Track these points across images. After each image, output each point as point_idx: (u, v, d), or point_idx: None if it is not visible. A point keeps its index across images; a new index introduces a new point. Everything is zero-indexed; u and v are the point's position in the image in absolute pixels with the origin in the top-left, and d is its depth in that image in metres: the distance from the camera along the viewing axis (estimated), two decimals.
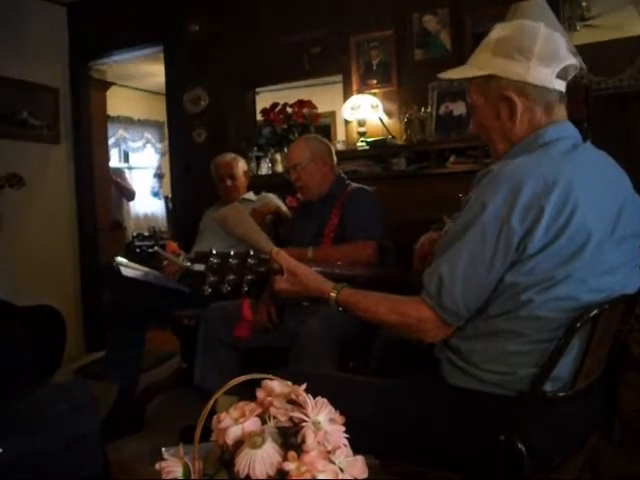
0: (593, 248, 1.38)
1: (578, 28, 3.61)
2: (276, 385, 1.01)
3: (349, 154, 4.15)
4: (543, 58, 1.49)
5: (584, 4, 3.56)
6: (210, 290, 1.71)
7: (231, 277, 1.71)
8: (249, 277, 1.73)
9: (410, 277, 2.12)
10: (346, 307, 1.66)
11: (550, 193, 1.35)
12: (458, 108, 3.81)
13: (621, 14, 3.54)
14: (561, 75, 1.52)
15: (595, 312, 1.38)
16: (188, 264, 2.03)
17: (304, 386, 0.99)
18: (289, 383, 1.01)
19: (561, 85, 1.54)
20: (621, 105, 3.61)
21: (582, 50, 3.36)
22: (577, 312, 1.39)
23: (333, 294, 1.66)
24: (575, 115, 3.19)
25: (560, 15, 3.52)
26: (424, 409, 1.56)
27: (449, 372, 1.57)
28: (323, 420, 0.94)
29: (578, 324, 1.37)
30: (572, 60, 1.53)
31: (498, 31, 1.58)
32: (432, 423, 1.53)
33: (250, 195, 4.02)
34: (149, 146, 9.18)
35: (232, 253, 1.71)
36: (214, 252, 1.70)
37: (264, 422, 0.95)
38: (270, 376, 1.02)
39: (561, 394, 1.44)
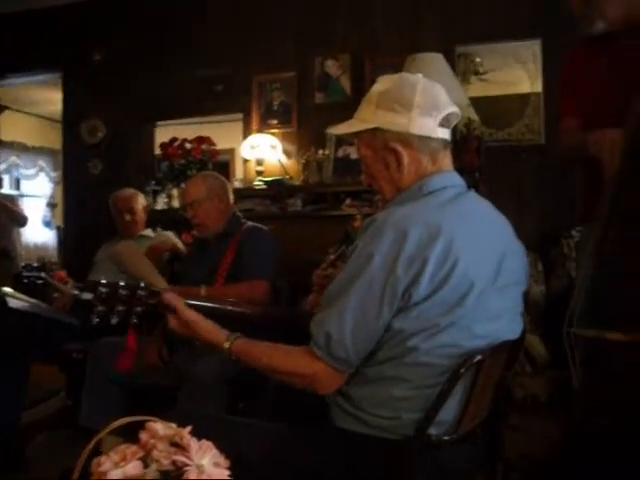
0: (476, 297, 1.42)
1: (472, 81, 3.79)
2: (160, 427, 0.99)
3: (246, 192, 4.17)
4: (423, 108, 1.52)
5: (478, 60, 3.74)
6: (97, 320, 1.67)
7: (120, 308, 1.67)
8: (138, 309, 1.70)
9: (299, 317, 2.13)
10: (239, 357, 1.63)
11: (433, 244, 1.38)
12: (355, 152, 3.88)
13: (511, 72, 3.74)
14: (444, 123, 1.56)
15: (478, 358, 1.41)
16: (76, 292, 1.96)
17: (189, 428, 0.98)
18: (174, 425, 1.00)
19: (445, 133, 1.57)
20: (512, 156, 3.79)
21: (475, 102, 3.53)
22: (461, 358, 1.41)
23: (227, 345, 1.62)
24: (468, 164, 3.34)
25: (455, 68, 3.68)
26: (314, 453, 1.55)
27: (339, 417, 1.57)
28: (207, 464, 0.93)
29: (462, 370, 1.40)
30: (453, 108, 1.57)
31: (380, 85, 1.61)
32: (321, 468, 1.52)
33: (148, 232, 3.97)
34: (42, 174, 8.94)
35: (122, 284, 1.68)
36: (103, 282, 1.66)
37: (146, 466, 0.93)
38: (154, 418, 1.00)
39: (446, 438, 1.46)
